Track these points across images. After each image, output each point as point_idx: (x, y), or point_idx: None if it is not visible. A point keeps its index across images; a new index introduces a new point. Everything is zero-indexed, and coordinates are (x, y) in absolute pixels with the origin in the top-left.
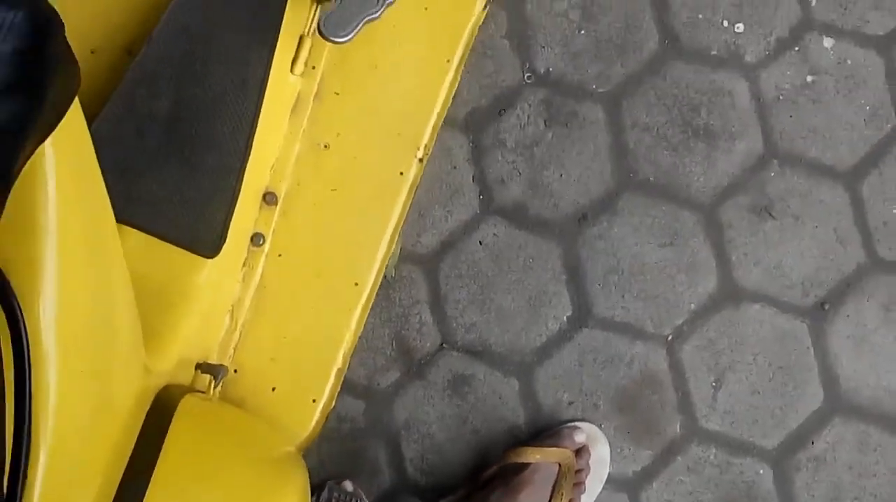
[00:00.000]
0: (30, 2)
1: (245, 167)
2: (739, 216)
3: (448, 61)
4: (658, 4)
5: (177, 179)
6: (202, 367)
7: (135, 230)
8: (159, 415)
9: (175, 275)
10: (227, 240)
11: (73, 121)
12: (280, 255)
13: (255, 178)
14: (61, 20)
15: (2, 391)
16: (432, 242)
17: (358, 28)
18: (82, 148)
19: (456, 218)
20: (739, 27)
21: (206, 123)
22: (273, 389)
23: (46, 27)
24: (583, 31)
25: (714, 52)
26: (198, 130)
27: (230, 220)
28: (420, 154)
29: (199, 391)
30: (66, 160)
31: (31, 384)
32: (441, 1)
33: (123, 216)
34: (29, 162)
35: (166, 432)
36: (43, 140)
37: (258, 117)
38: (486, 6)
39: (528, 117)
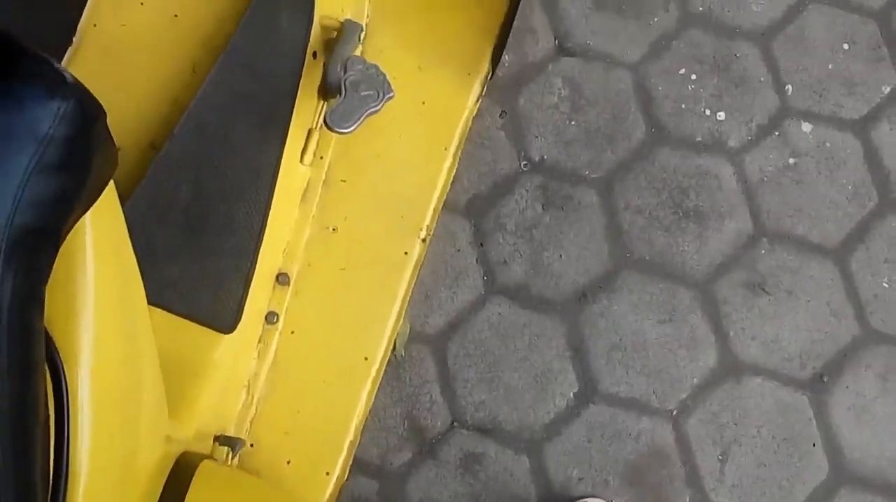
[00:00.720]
0: (79, 93)
1: (259, 250)
2: (734, 292)
3: (445, 149)
4: (642, 97)
5: (196, 261)
6: (220, 439)
7: (158, 308)
8: (178, 480)
9: (195, 350)
10: (243, 318)
11: (109, 197)
12: (293, 333)
13: (268, 260)
14: (104, 109)
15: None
16: (440, 323)
17: (361, 120)
18: (116, 223)
19: (461, 298)
20: (721, 115)
21: (223, 210)
22: (288, 462)
23: (92, 115)
24: (573, 122)
25: (699, 139)
26: (215, 217)
27: (245, 299)
28: (423, 234)
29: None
30: (102, 232)
31: (69, 433)
32: (436, 95)
33: (148, 298)
34: (70, 233)
35: (185, 496)
36: (84, 213)
37: (271, 204)
38: (478, 99)
39: (526, 202)
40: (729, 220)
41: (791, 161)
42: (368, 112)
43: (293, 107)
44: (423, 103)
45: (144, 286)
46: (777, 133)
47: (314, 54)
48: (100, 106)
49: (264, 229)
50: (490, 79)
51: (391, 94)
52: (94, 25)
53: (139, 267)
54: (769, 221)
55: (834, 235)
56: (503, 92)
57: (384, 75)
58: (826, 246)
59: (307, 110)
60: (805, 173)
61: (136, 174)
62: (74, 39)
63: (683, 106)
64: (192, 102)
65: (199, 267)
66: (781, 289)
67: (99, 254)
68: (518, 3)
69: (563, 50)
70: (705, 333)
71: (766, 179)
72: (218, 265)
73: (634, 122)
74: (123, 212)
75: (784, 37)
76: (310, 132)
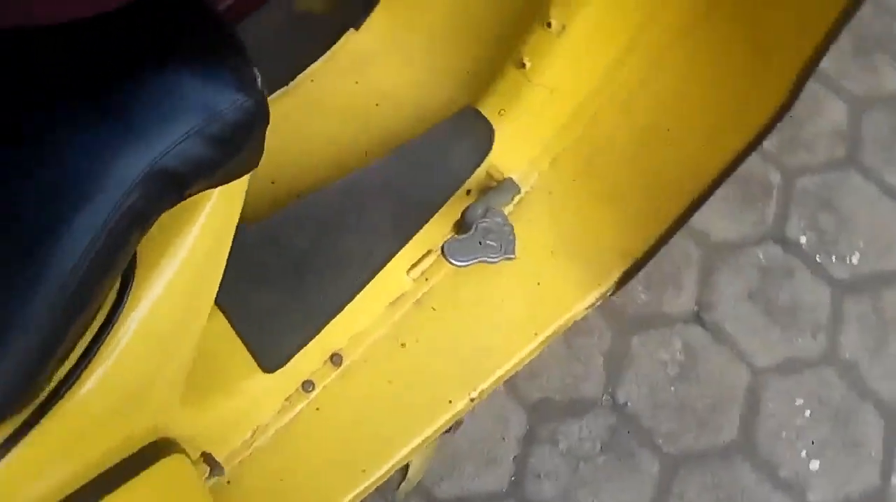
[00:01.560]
0: (260, 97)
1: (331, 321)
2: None
3: (536, 334)
4: (750, 402)
5: (281, 301)
6: (206, 457)
7: (219, 312)
8: (145, 455)
9: (230, 367)
10: (284, 375)
11: (238, 190)
12: (318, 409)
13: (334, 335)
14: (268, 119)
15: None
16: (450, 492)
17: (473, 262)
18: (232, 212)
19: (482, 483)
20: (815, 465)
21: (325, 272)
22: None
23: (260, 117)
24: (673, 388)
25: (782, 474)
26: (315, 274)
27: (296, 354)
28: (474, 395)
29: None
30: (218, 211)
31: (105, 339)
32: (553, 283)
33: (221, 300)
34: (197, 196)
35: (141, 470)
36: (213, 187)
37: (362, 289)
38: (589, 307)
39: (590, 433)
40: None
41: None
42: (483, 260)
43: (426, 222)
44: (538, 284)
45: (224, 287)
46: None
47: (468, 191)
48: (268, 115)
49: (344, 306)
50: (609, 296)
51: (511, 257)
52: (311, 81)
53: (233, 276)
54: None
55: None
56: (624, 320)
57: (514, 238)
58: None
59: (436, 232)
60: None
61: (272, 204)
62: (291, 82)
63: (784, 434)
64: (351, 174)
65: (278, 304)
66: None
67: (207, 226)
68: (665, 242)
69: (697, 318)
70: None
71: None
72: (294, 312)
73: (730, 421)
74: (253, 229)
75: None
76: (428, 252)
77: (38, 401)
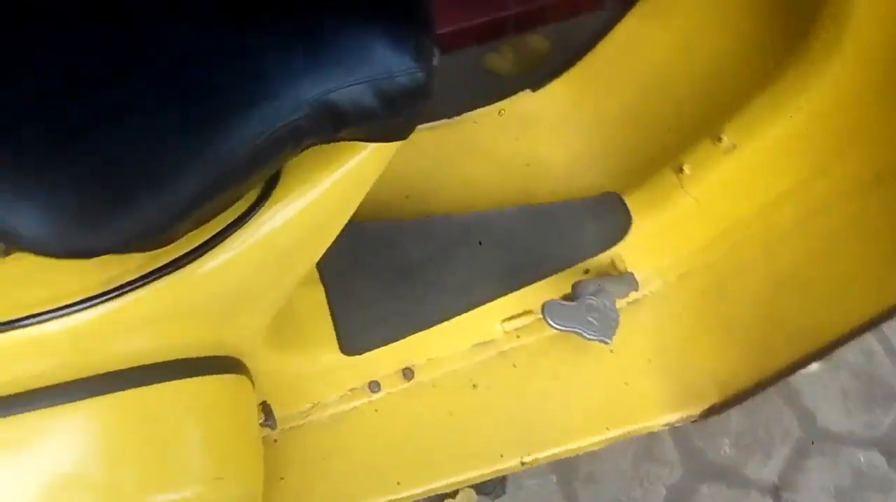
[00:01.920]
0: (430, 72)
1: (415, 333)
2: None
3: (607, 429)
4: None
5: (378, 297)
6: (264, 405)
7: (321, 283)
8: (217, 363)
9: (312, 334)
10: (357, 366)
11: (383, 155)
12: (376, 411)
13: (413, 349)
14: (431, 96)
15: None
16: None
17: (569, 329)
18: (373, 172)
19: None
20: None
21: (427, 287)
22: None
23: (425, 91)
24: None
25: None
26: (419, 286)
27: (375, 349)
28: (526, 460)
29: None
30: (365, 164)
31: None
32: (641, 388)
33: (327, 275)
34: (347, 144)
35: (206, 375)
36: (358, 140)
37: (452, 318)
38: (668, 425)
39: None
40: None
41: None
42: (580, 332)
43: (534, 282)
44: (626, 383)
45: (332, 264)
46: None
47: (587, 270)
48: (431, 93)
49: (433, 326)
50: (692, 422)
51: (608, 342)
52: (474, 122)
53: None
54: None
55: None
56: (700, 464)
57: (617, 326)
58: None
59: (540, 295)
60: None
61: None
62: (456, 117)
63: None
64: (481, 212)
65: (375, 298)
66: None
67: (349, 174)
68: (764, 387)
69: (775, 493)
70: None
71: None
72: (387, 311)
73: None
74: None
75: None
76: (528, 312)
77: (155, 265)
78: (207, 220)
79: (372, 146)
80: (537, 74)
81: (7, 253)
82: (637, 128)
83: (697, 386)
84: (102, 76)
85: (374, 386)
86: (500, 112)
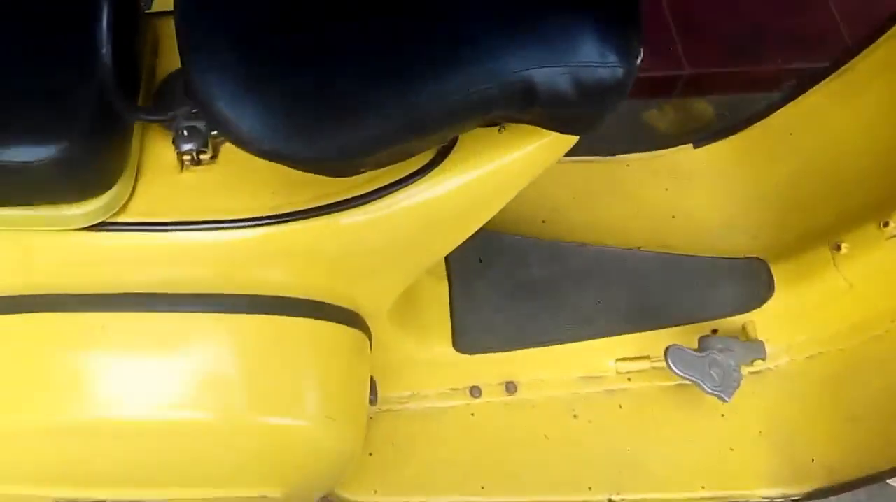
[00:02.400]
0: (631, 71)
1: (527, 349)
2: None
3: (703, 488)
4: None
5: (499, 304)
6: (371, 381)
7: (447, 279)
8: (345, 313)
9: (429, 323)
10: (463, 366)
11: (561, 146)
12: (472, 415)
13: (521, 364)
14: (626, 96)
15: None
16: None
17: (689, 377)
18: (544, 161)
19: None
20: None
21: (548, 307)
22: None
23: (620, 87)
24: None
25: None
26: (540, 303)
27: (486, 353)
28: (615, 498)
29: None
30: (541, 150)
31: None
32: (746, 457)
33: (454, 272)
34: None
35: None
36: (544, 125)
37: (566, 343)
38: (766, 499)
39: None
40: None
41: None
42: (699, 383)
43: (656, 328)
44: (731, 449)
45: (461, 263)
46: None
47: (715, 330)
48: (626, 92)
49: (545, 345)
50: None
51: (725, 399)
52: (627, 166)
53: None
54: None
55: None
56: None
57: (737, 387)
58: None
59: (660, 343)
60: None
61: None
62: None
63: None
64: (619, 249)
65: (496, 304)
66: None
67: (523, 158)
68: (873, 481)
69: None
70: None
71: None
72: (504, 319)
73: None
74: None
75: None
76: (645, 357)
77: (319, 202)
78: (387, 164)
79: (543, 141)
80: (697, 133)
81: (215, 159)
82: (797, 200)
83: (805, 468)
84: (336, 11)
85: (476, 390)
86: (652, 160)
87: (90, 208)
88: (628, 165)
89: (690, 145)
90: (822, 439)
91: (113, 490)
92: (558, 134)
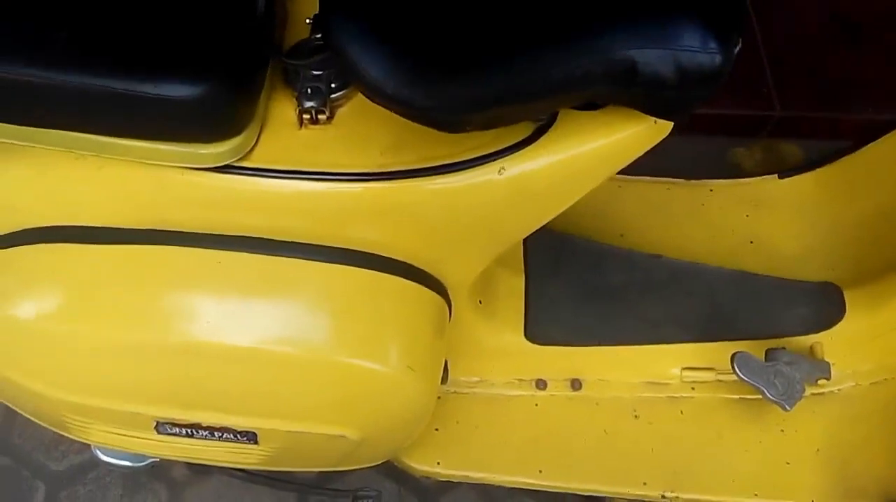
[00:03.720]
0: (728, 59)
1: (593, 346)
2: None
3: (756, 495)
4: None
5: (571, 301)
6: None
7: (522, 275)
8: (431, 280)
9: (502, 311)
10: (531, 358)
11: (656, 134)
12: (536, 405)
13: (587, 362)
14: (721, 84)
15: None
16: None
17: (752, 383)
18: (637, 149)
19: None
20: None
21: (617, 308)
22: (436, 429)
23: (716, 75)
24: None
25: None
26: (610, 304)
27: (555, 345)
28: (668, 495)
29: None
30: (637, 137)
31: None
32: (801, 473)
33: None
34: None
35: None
36: (639, 108)
37: (630, 345)
38: None
39: None
40: None
41: None
42: (762, 389)
43: (721, 340)
44: (787, 463)
45: (539, 260)
46: None
47: (783, 347)
48: (722, 81)
49: (611, 345)
50: None
51: (787, 408)
52: (710, 190)
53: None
54: None
55: None
56: None
57: (800, 398)
58: None
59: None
60: None
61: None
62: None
63: None
64: (690, 262)
65: (568, 300)
66: None
67: (603, 148)
68: None
69: None
70: None
71: None
72: (576, 314)
73: None
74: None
75: None
76: (710, 369)
77: (424, 164)
78: (490, 127)
79: (638, 128)
80: (779, 167)
81: (331, 120)
82: (875, 234)
83: (860, 490)
84: None
85: (541, 383)
86: (737, 185)
87: (221, 149)
88: (711, 190)
89: (776, 175)
90: (880, 463)
91: (208, 413)
92: (652, 123)
